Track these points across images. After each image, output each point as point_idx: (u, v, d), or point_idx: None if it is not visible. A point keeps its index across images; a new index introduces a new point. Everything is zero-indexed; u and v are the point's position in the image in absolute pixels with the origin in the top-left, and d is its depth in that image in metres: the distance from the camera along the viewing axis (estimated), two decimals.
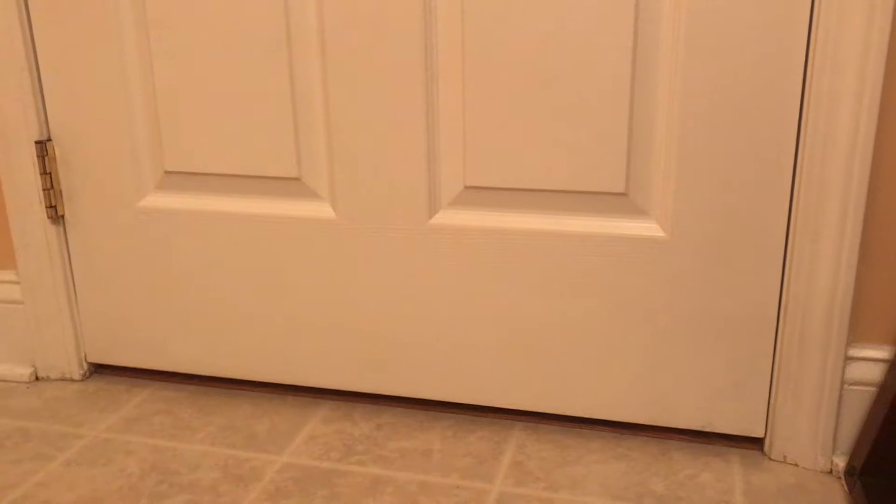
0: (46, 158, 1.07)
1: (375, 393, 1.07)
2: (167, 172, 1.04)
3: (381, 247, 0.99)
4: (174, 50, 0.99)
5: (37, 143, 1.06)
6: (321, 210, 1.01)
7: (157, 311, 1.10)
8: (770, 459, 0.95)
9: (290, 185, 1.01)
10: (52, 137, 1.07)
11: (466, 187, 0.95)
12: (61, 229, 1.10)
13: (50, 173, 1.07)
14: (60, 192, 1.08)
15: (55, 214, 1.09)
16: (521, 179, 0.93)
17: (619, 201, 0.92)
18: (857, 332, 0.89)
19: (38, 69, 1.04)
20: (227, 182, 1.03)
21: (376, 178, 0.97)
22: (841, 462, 0.92)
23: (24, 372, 1.16)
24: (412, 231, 0.98)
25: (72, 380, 1.16)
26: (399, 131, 0.94)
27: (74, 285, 1.13)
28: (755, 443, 0.97)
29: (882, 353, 0.89)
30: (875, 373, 0.89)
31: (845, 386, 0.90)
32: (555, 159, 0.92)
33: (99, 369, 1.18)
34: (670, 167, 0.89)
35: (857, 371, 0.90)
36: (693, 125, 0.87)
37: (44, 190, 1.08)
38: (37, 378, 1.17)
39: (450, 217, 0.97)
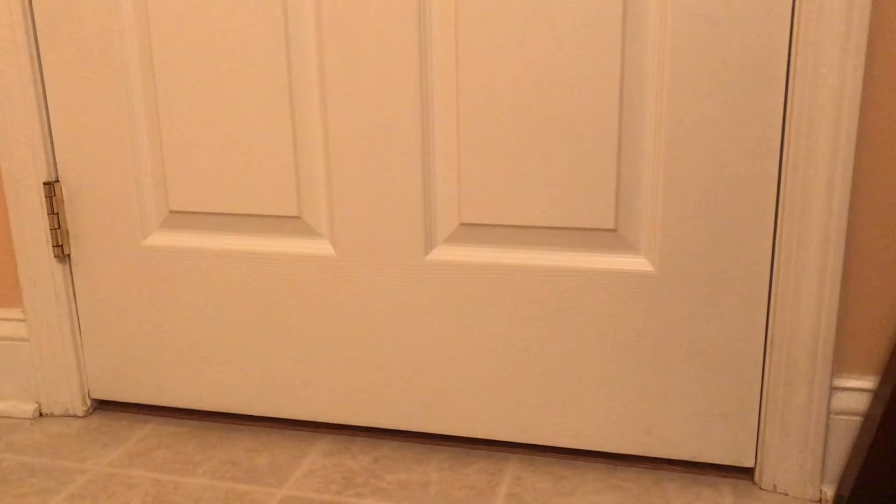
0: (54, 199, 1.10)
1: (374, 427, 1.09)
2: (172, 212, 1.08)
3: (379, 283, 1.02)
4: (179, 93, 1.03)
5: (45, 184, 1.09)
6: (321, 247, 1.04)
7: (160, 348, 1.13)
8: (760, 489, 0.96)
9: (291, 224, 1.04)
10: (59, 178, 1.10)
11: (462, 224, 0.99)
12: (67, 268, 1.13)
13: (57, 213, 1.10)
14: (67, 231, 1.11)
15: (62, 253, 1.12)
16: (515, 217, 0.97)
17: (610, 237, 0.95)
18: (841, 362, 0.92)
19: (47, 111, 1.08)
20: (229, 221, 1.06)
21: (375, 217, 1.00)
22: (829, 491, 0.94)
23: (29, 408, 1.18)
24: (409, 267, 1.01)
25: (75, 416, 1.18)
26: (397, 171, 0.98)
27: (79, 323, 1.15)
28: (746, 472, 0.99)
29: (866, 383, 0.92)
30: (860, 402, 0.92)
31: (831, 416, 0.93)
32: (547, 197, 0.95)
33: (102, 405, 1.20)
34: (658, 204, 0.92)
35: (842, 401, 0.92)
36: (679, 164, 0.90)
37: (51, 230, 1.11)
38: (41, 414, 1.19)
39: (446, 253, 1.00)
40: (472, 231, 0.99)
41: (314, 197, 1.02)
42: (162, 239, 1.09)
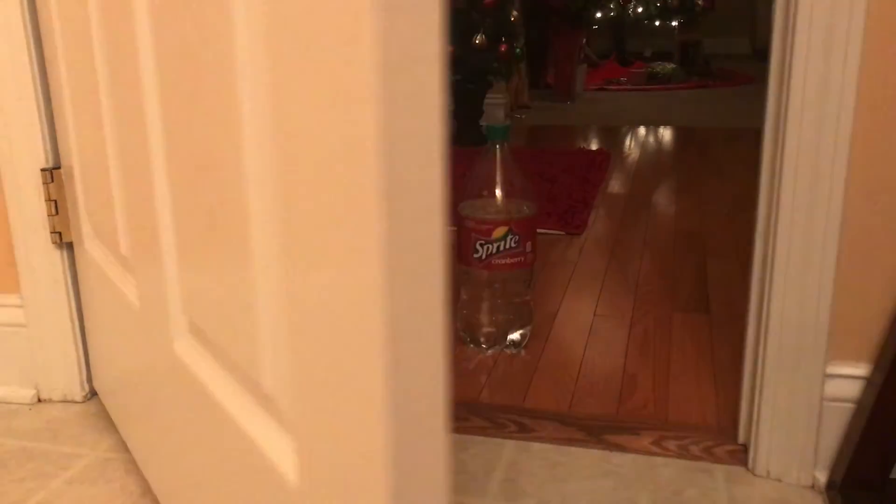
0: (52, 185, 1.10)
1: None
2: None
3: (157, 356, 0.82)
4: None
5: (43, 170, 1.09)
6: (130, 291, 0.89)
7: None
8: (754, 475, 0.97)
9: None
10: (62, 165, 1.10)
11: (191, 322, 0.73)
12: (66, 254, 1.13)
13: (55, 200, 1.11)
14: (67, 218, 1.12)
15: (60, 241, 1.12)
16: (214, 330, 0.66)
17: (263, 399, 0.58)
18: (835, 349, 0.93)
19: (47, 95, 1.08)
20: None
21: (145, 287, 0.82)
22: (822, 476, 0.94)
23: (27, 394, 1.19)
24: (164, 352, 0.78)
25: (74, 401, 1.18)
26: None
27: (80, 310, 1.16)
28: (739, 458, 0.99)
29: (859, 370, 0.92)
30: (853, 389, 0.92)
31: (825, 402, 0.93)
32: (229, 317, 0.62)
33: None
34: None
35: (835, 388, 0.93)
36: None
37: (49, 216, 1.11)
38: (39, 400, 1.19)
39: (184, 349, 0.74)
40: (198, 332, 0.71)
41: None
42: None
